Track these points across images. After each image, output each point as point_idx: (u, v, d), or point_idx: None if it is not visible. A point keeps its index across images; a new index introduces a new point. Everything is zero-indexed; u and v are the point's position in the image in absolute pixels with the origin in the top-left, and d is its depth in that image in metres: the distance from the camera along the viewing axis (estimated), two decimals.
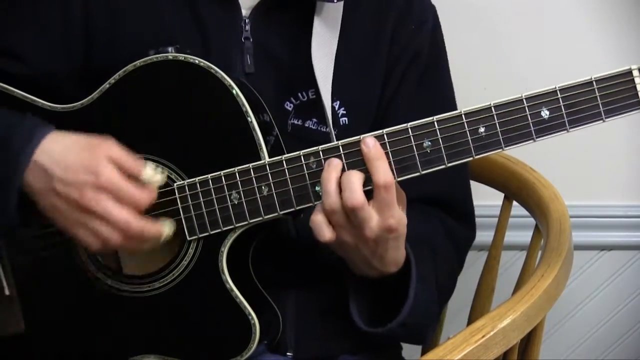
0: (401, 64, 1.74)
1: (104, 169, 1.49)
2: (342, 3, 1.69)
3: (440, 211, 1.76)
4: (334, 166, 1.50)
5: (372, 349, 1.75)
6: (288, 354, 1.70)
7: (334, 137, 1.65)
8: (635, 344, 2.48)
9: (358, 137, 1.51)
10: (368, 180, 1.49)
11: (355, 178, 1.48)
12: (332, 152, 1.51)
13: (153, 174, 1.52)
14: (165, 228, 1.52)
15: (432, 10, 1.81)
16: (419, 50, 1.75)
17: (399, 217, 1.50)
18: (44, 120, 1.56)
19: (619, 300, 2.47)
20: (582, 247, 2.36)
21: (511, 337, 1.55)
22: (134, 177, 1.51)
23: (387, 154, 1.50)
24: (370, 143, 1.49)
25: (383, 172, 1.48)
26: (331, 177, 1.49)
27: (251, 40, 1.69)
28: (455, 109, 1.73)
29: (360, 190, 1.47)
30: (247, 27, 1.69)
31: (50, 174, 1.50)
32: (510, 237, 2.01)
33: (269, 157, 1.54)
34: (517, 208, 1.95)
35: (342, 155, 1.51)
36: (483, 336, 1.50)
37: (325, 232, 1.50)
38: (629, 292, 2.46)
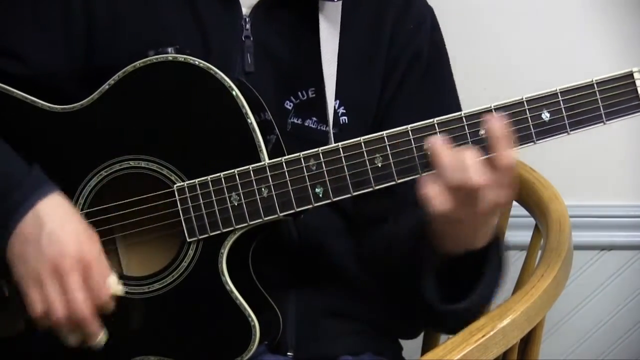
0: (400, 64, 1.74)
1: (94, 249, 1.50)
2: (340, 2, 1.69)
3: None
4: (445, 141, 1.47)
5: (373, 349, 1.75)
6: (288, 354, 1.70)
7: (332, 136, 1.66)
8: (635, 344, 2.48)
9: (358, 138, 1.51)
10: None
11: (477, 157, 1.45)
12: (332, 155, 1.51)
13: (115, 283, 1.53)
14: (103, 333, 1.53)
15: (430, 11, 1.81)
16: (418, 50, 1.75)
17: (511, 196, 1.49)
18: (47, 180, 1.55)
19: (619, 300, 2.47)
20: (582, 247, 2.36)
21: (511, 337, 1.55)
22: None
23: (387, 156, 1.50)
24: (495, 123, 1.46)
25: (508, 152, 1.45)
26: (447, 152, 1.46)
27: (251, 39, 1.69)
28: (459, 108, 1.75)
29: (483, 170, 1.44)
30: (248, 26, 1.69)
31: (45, 223, 1.49)
32: (510, 237, 1.99)
33: (270, 157, 1.54)
34: (517, 208, 1.95)
35: (343, 157, 1.51)
36: (483, 336, 1.50)
37: (440, 203, 1.45)
38: (629, 292, 2.47)
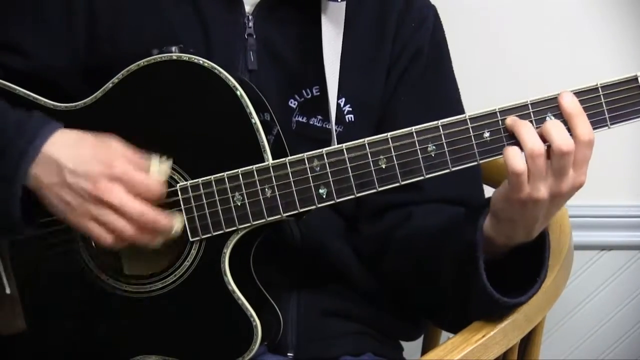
0: (403, 62, 1.74)
1: (117, 160, 1.49)
2: (344, 3, 1.69)
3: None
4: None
5: (373, 349, 1.75)
6: (289, 354, 1.70)
7: (335, 134, 1.66)
8: (635, 344, 2.48)
9: (362, 140, 1.51)
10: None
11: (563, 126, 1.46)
12: (336, 155, 1.51)
13: (159, 168, 1.52)
14: (177, 221, 1.53)
15: (432, 9, 1.81)
16: (420, 48, 1.75)
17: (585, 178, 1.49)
18: (51, 117, 1.55)
19: (619, 300, 2.47)
20: (582, 247, 2.37)
21: (511, 337, 1.55)
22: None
23: (391, 157, 1.50)
24: (568, 99, 1.46)
25: (586, 128, 1.46)
26: (529, 124, 1.46)
27: (254, 37, 1.68)
28: (461, 106, 1.76)
29: (570, 137, 1.45)
30: (250, 24, 1.69)
31: (62, 165, 1.49)
32: None
33: (271, 156, 1.54)
34: None
35: (347, 158, 1.51)
36: (483, 336, 1.51)
37: (519, 161, 1.45)
38: (629, 292, 2.47)
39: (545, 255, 1.55)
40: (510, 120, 1.47)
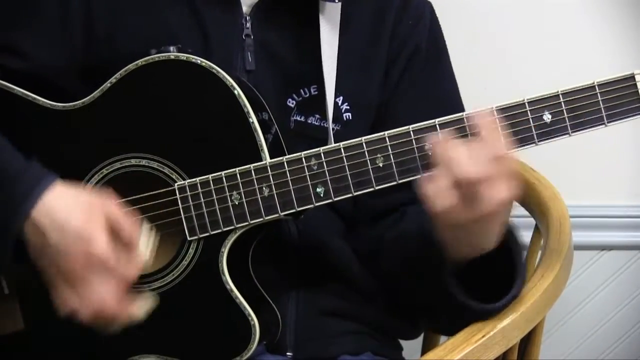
0: (401, 59, 1.74)
1: (97, 238, 1.46)
2: (340, 3, 1.69)
3: None
4: (444, 139, 1.46)
5: (373, 349, 1.75)
6: (288, 354, 1.70)
7: (332, 133, 1.66)
8: (635, 344, 2.48)
9: (360, 138, 1.51)
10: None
11: (473, 151, 1.44)
12: (334, 154, 1.52)
13: (145, 248, 1.52)
14: (139, 310, 1.51)
15: (429, 5, 1.81)
16: (418, 45, 1.75)
17: (512, 190, 1.45)
18: (49, 171, 1.53)
19: (619, 300, 2.47)
20: (582, 247, 2.37)
21: (511, 337, 1.55)
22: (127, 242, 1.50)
23: (388, 156, 1.50)
24: (484, 116, 1.46)
25: (499, 145, 1.44)
26: (445, 148, 1.44)
27: (252, 37, 1.69)
28: (460, 103, 1.77)
29: (481, 163, 1.42)
30: (248, 25, 1.69)
31: (47, 237, 1.47)
32: None
33: (269, 156, 1.54)
34: (517, 208, 1.95)
35: (344, 157, 1.51)
36: (483, 336, 1.50)
37: (440, 202, 1.44)
38: (629, 292, 2.47)
39: (517, 263, 1.55)
40: (432, 144, 1.47)
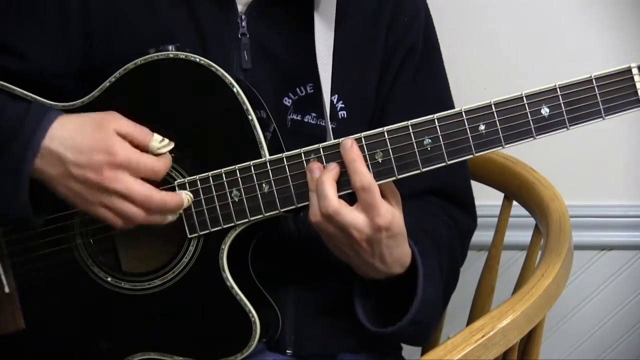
0: (397, 57, 1.75)
1: (117, 147, 1.50)
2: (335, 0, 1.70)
3: (441, 199, 1.77)
4: (311, 171, 1.52)
5: (372, 348, 1.75)
6: (287, 352, 1.70)
7: (330, 131, 1.66)
8: (635, 344, 2.48)
9: (359, 134, 1.51)
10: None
11: (328, 184, 1.49)
12: (332, 150, 1.52)
13: (160, 142, 1.53)
14: (184, 197, 1.54)
15: (423, 3, 1.82)
16: (413, 43, 1.76)
17: (388, 215, 1.50)
18: (50, 106, 1.57)
19: (619, 300, 2.47)
20: (582, 247, 2.37)
21: (511, 337, 1.54)
22: (143, 147, 1.53)
23: (387, 151, 1.50)
24: (347, 145, 1.50)
25: (360, 174, 1.49)
26: (315, 179, 1.51)
27: (248, 36, 1.69)
28: (451, 100, 1.78)
29: (332, 196, 1.49)
30: (244, 24, 1.69)
31: (64, 159, 1.50)
32: (510, 237, 2.01)
33: (268, 154, 1.55)
34: (517, 208, 1.95)
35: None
36: (483, 336, 1.49)
37: (320, 228, 1.53)
38: (629, 292, 2.46)
39: (417, 286, 1.59)
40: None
